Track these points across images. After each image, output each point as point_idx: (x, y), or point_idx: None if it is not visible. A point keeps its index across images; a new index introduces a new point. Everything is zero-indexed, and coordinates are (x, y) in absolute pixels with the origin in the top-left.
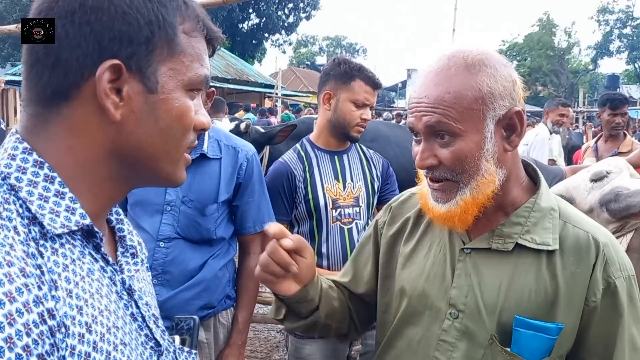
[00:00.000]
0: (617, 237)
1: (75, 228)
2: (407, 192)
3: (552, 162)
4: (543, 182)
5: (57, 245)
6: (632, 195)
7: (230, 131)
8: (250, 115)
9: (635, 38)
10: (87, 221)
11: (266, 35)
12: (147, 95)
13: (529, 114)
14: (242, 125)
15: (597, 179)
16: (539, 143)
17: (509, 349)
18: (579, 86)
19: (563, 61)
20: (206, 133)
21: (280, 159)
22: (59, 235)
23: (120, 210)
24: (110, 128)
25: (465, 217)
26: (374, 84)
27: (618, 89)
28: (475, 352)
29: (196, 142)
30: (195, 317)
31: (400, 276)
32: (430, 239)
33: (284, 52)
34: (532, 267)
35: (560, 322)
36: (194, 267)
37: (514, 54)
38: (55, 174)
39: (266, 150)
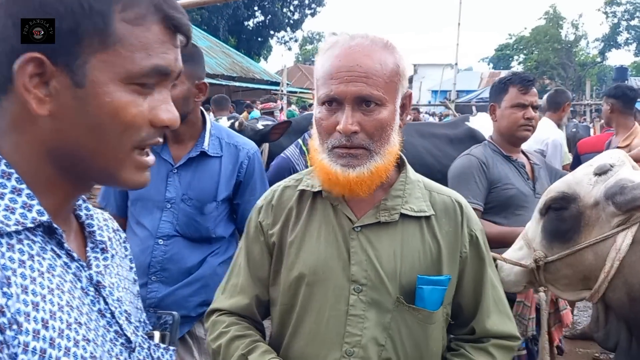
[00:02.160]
0: (622, 230)
1: (32, 225)
2: (277, 187)
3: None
4: (404, 158)
5: (13, 242)
6: (638, 188)
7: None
8: (255, 113)
9: None
10: (45, 217)
11: (272, 32)
12: (75, 90)
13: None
14: (236, 124)
15: (602, 172)
16: (557, 148)
17: (414, 305)
18: (587, 79)
19: (570, 54)
20: (207, 131)
21: (282, 154)
22: (17, 232)
23: (90, 206)
24: (43, 124)
25: (372, 184)
26: None
27: (626, 81)
28: (384, 317)
29: (157, 139)
30: (175, 313)
31: (295, 264)
32: (317, 224)
33: (289, 49)
34: (416, 232)
35: (446, 274)
36: (193, 264)
37: (521, 47)
38: (12, 170)
39: (265, 147)
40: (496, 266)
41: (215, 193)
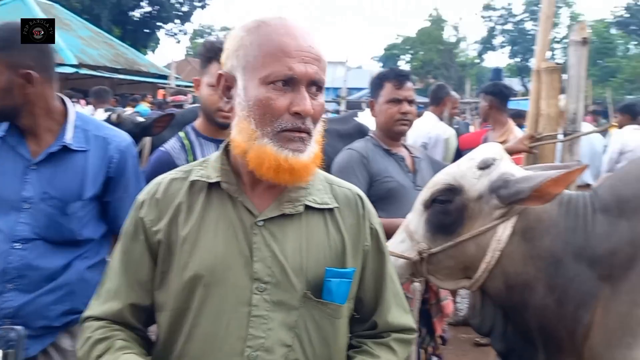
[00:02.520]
0: (503, 222)
1: None
2: (162, 180)
3: None
4: None
5: None
6: (521, 181)
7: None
8: (141, 107)
9: (516, 34)
10: None
11: (159, 24)
12: None
13: (421, 106)
14: (113, 116)
15: (485, 166)
16: (438, 141)
17: (322, 300)
18: (467, 79)
19: (452, 55)
20: (70, 123)
21: (161, 148)
22: None
23: None
24: None
25: (311, 172)
26: None
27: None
28: (290, 316)
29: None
30: (19, 327)
31: (189, 264)
32: (214, 218)
33: (178, 42)
34: (320, 225)
35: (351, 267)
36: (56, 269)
37: (407, 47)
38: None
39: (146, 141)
40: None
41: (81, 191)
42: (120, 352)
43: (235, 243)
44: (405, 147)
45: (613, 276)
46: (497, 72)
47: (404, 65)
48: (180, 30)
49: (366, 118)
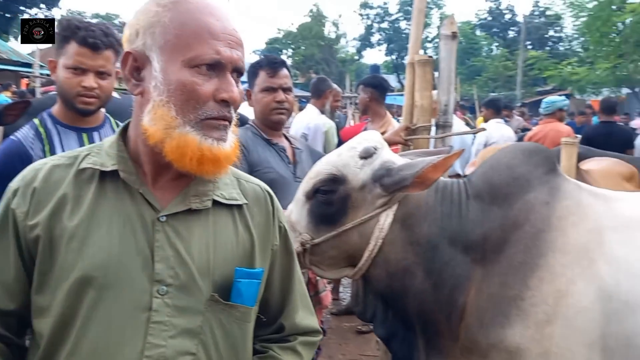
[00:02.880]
0: (385, 210)
1: None
2: (41, 166)
3: None
4: None
5: None
6: (403, 169)
7: None
8: (2, 97)
9: (391, 32)
10: None
11: (22, 8)
12: None
13: (304, 100)
14: None
15: (367, 156)
16: (318, 132)
17: (231, 302)
18: (347, 74)
19: (332, 51)
20: None
21: (12, 136)
22: None
23: None
24: None
25: (232, 161)
26: (91, 45)
27: None
28: (194, 321)
29: None
30: None
31: (77, 263)
32: (107, 212)
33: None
34: (228, 222)
35: (259, 267)
36: None
37: (289, 42)
38: None
39: None
40: None
41: None
42: None
43: (133, 240)
44: (286, 137)
45: (485, 259)
46: (375, 68)
47: (285, 59)
48: (46, 16)
49: (246, 108)
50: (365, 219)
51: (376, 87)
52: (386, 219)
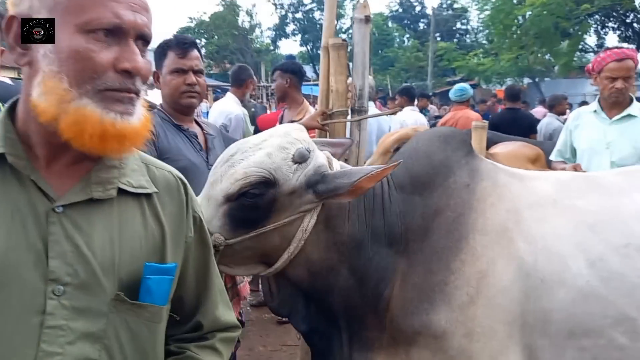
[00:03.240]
0: (309, 213)
1: None
2: None
3: None
4: None
5: None
6: (340, 177)
7: None
8: None
9: (305, 22)
10: None
11: None
12: None
13: (219, 90)
14: None
15: (302, 160)
16: (239, 122)
17: (139, 302)
18: (262, 64)
19: (247, 41)
20: None
21: None
22: None
23: None
24: None
25: (141, 138)
26: None
27: None
28: (96, 324)
29: None
30: None
31: None
32: None
33: None
34: (136, 213)
35: (172, 262)
36: None
37: (202, 31)
38: None
39: None
40: None
41: None
42: None
43: (22, 235)
44: (198, 123)
45: (408, 250)
46: (291, 58)
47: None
48: None
49: (155, 96)
50: (288, 221)
51: (295, 73)
52: (310, 221)
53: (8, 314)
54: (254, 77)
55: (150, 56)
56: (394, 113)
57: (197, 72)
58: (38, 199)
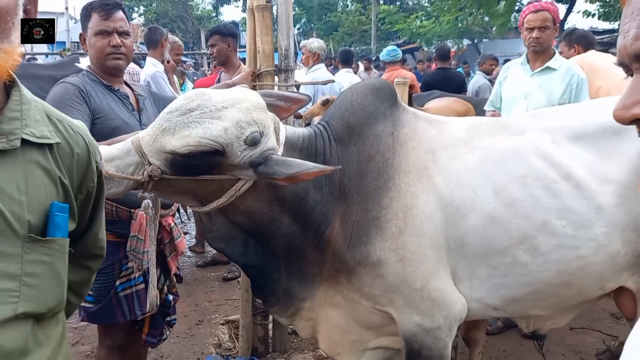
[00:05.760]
0: (244, 179)
1: None
2: None
3: None
4: (13, 75)
5: None
6: (280, 164)
7: None
8: None
9: None
10: None
11: None
12: None
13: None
14: None
15: (253, 144)
16: (157, 75)
17: (49, 237)
18: (203, 32)
19: (187, 7)
20: None
21: None
22: None
23: None
24: None
25: (6, 66)
26: None
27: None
28: (11, 266)
29: None
30: None
31: None
32: None
33: None
34: (39, 161)
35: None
36: None
37: None
38: None
39: None
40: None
41: None
42: None
43: None
44: (127, 84)
45: (346, 193)
46: (234, 26)
47: (137, 17)
48: None
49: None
50: (223, 179)
51: (235, 36)
52: (244, 185)
53: None
54: (167, 35)
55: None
56: (327, 83)
57: (122, 34)
58: None
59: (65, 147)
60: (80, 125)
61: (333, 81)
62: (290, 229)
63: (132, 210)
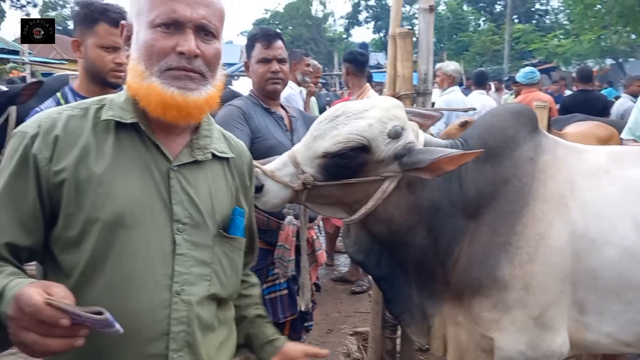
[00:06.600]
0: (390, 178)
1: None
2: (58, 115)
3: None
4: None
5: None
6: (422, 153)
7: None
8: None
9: (378, 9)
10: None
11: None
12: None
13: None
14: None
15: (396, 137)
16: (291, 97)
17: (232, 235)
18: (335, 53)
19: (320, 30)
20: None
21: (36, 108)
22: None
23: None
24: None
25: (203, 111)
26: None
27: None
28: (205, 254)
29: None
30: None
31: (107, 205)
32: (127, 161)
33: (27, 14)
34: (221, 172)
35: (242, 208)
36: None
37: (277, 22)
38: None
39: (12, 110)
40: (260, 188)
41: None
42: (15, 276)
43: (153, 186)
44: (282, 106)
45: (479, 213)
46: (364, 46)
47: None
48: (28, 2)
49: (240, 86)
50: (370, 180)
51: (351, 61)
52: (390, 185)
53: (150, 244)
54: (301, 58)
55: (235, 49)
56: (467, 110)
57: (281, 61)
58: (160, 159)
59: (237, 160)
60: (243, 144)
61: (474, 109)
62: (424, 241)
63: (281, 222)
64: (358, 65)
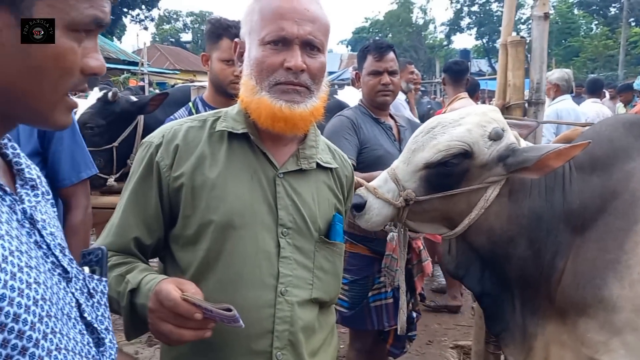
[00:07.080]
0: (493, 185)
1: None
2: (179, 127)
3: None
4: None
5: None
6: (528, 151)
7: (98, 99)
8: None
9: (482, 15)
10: None
11: (125, 10)
12: (18, 30)
13: None
14: (110, 94)
15: (497, 138)
16: (397, 104)
17: (333, 241)
18: (436, 60)
19: (421, 37)
20: None
21: (171, 117)
22: None
23: (16, 145)
24: None
25: (308, 122)
26: None
27: (469, 63)
28: (307, 258)
29: (85, 85)
30: (103, 247)
31: (219, 208)
32: (238, 168)
33: (145, 28)
34: (325, 181)
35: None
36: None
37: (376, 30)
38: None
39: (140, 119)
40: (363, 206)
41: None
42: (148, 272)
43: (260, 191)
44: (391, 116)
45: (584, 227)
46: (465, 53)
47: None
48: (146, 17)
49: (345, 95)
50: (473, 189)
51: (446, 71)
52: (492, 192)
53: (257, 245)
54: (408, 67)
55: (335, 57)
56: (585, 125)
57: (392, 73)
58: (267, 167)
59: (340, 171)
60: (346, 156)
61: (592, 124)
62: (525, 253)
63: (388, 231)
64: (453, 74)
